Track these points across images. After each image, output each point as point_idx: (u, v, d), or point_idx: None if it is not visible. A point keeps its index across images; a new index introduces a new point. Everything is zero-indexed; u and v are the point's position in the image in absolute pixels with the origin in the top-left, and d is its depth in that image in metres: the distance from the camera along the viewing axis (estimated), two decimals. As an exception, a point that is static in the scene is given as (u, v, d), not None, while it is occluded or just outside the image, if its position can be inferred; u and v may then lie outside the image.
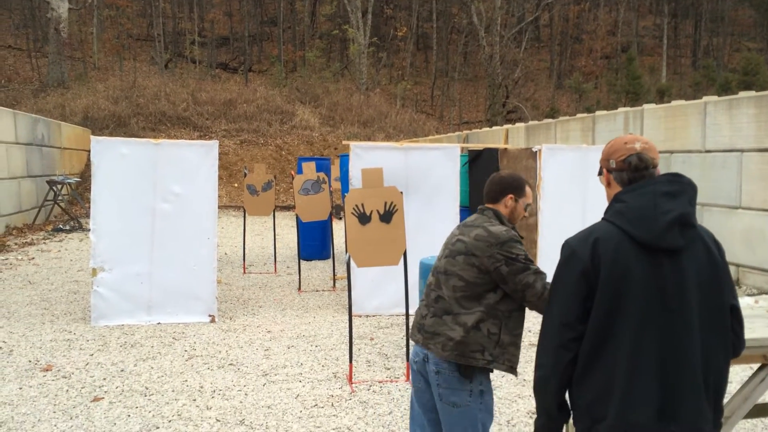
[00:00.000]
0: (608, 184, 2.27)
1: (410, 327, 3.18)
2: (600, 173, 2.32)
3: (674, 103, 10.52)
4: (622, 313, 2.03)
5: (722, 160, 9.33)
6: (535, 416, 2.29)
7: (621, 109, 11.75)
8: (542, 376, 2.17)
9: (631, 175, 2.18)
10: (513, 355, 2.85)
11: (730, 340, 2.11)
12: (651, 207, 2.06)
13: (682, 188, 2.10)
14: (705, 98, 9.87)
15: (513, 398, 4.91)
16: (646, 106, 11.06)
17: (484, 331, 2.79)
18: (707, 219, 9.56)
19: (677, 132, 10.15)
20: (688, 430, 2.01)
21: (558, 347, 2.12)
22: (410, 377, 3.18)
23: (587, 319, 2.08)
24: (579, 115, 13.25)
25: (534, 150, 8.01)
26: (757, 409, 3.64)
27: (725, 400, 3.41)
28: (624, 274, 2.03)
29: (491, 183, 3.05)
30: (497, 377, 5.26)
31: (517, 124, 16.31)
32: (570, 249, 2.15)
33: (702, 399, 2.03)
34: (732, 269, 9.13)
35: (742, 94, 9.24)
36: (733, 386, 5.14)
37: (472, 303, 2.82)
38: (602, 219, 2.18)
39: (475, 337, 2.78)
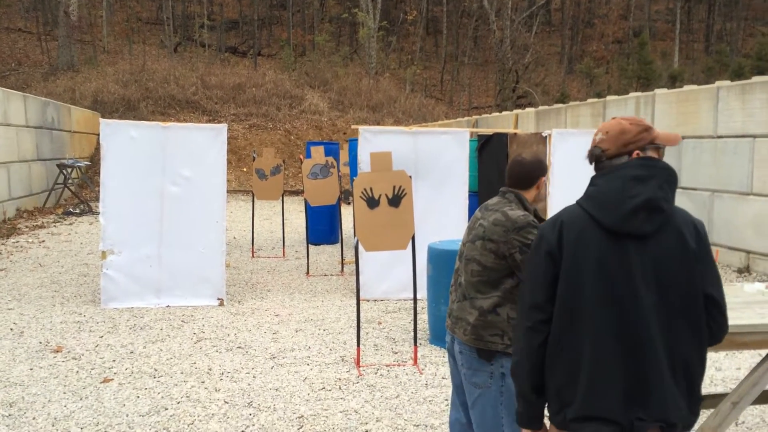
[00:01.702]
0: None
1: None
2: None
3: (686, 88, 10.41)
4: (582, 298, 2.01)
5: (734, 146, 9.24)
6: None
7: (632, 94, 11.64)
8: (516, 360, 2.17)
9: (595, 165, 2.19)
10: None
11: (703, 327, 2.02)
12: (618, 191, 2.02)
13: (652, 173, 2.04)
14: (717, 83, 9.76)
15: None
16: (657, 91, 10.95)
17: (503, 315, 2.80)
18: (718, 205, 9.49)
19: (689, 117, 10.06)
20: (655, 418, 1.97)
21: (528, 329, 2.11)
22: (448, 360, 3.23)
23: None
24: (589, 100, 13.15)
25: (544, 135, 7.96)
26: (765, 395, 3.63)
27: (736, 388, 3.39)
28: (584, 259, 2.01)
29: (522, 170, 2.99)
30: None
31: (527, 109, 16.21)
32: (540, 232, 2.16)
33: (670, 387, 1.97)
34: (743, 256, 9.07)
35: (756, 79, 9.12)
36: (741, 372, 5.13)
37: (488, 288, 2.83)
38: (575, 201, 2.16)
39: (494, 321, 2.80)
